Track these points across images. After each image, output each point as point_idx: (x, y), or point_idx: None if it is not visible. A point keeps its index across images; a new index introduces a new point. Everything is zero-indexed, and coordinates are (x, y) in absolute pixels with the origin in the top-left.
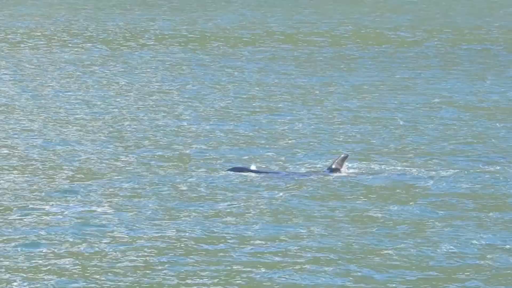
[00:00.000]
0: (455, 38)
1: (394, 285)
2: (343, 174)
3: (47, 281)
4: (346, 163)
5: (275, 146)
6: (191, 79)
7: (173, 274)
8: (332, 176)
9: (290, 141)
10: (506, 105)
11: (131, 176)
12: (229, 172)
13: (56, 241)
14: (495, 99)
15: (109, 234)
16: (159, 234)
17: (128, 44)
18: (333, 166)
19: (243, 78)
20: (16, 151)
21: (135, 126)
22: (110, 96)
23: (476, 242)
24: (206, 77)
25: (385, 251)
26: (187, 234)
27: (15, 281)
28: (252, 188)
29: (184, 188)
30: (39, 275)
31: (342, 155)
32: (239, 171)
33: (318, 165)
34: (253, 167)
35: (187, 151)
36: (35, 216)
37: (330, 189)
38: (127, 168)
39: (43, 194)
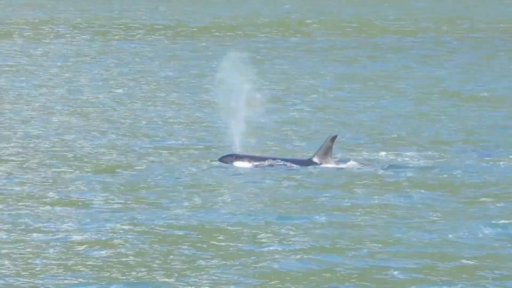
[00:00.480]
0: (448, 29)
1: (405, 273)
2: (336, 163)
3: (45, 270)
4: (354, 154)
5: (269, 135)
6: (183, 68)
7: (171, 261)
8: (323, 163)
9: (284, 130)
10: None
11: (127, 166)
12: (220, 160)
13: (53, 230)
14: (498, 88)
15: (107, 223)
16: (155, 223)
17: (119, 34)
18: (323, 148)
19: (236, 68)
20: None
21: (130, 117)
22: (101, 86)
23: (486, 232)
24: (199, 67)
25: (393, 240)
26: (183, 222)
27: (16, 269)
28: (243, 176)
29: (178, 178)
30: (36, 264)
31: (331, 136)
32: (230, 160)
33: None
34: (244, 155)
35: (180, 141)
36: (30, 206)
37: (324, 178)
38: (122, 158)
39: (36, 184)
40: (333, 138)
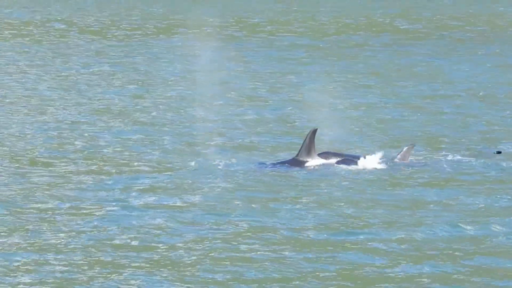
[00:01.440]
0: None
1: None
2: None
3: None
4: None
5: (254, 133)
6: (173, 68)
7: (168, 254)
8: (308, 161)
9: (268, 128)
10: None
11: (124, 165)
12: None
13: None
14: (499, 84)
15: (114, 224)
16: (154, 222)
17: (107, 33)
18: (305, 145)
19: (227, 67)
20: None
21: (123, 116)
22: (94, 84)
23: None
24: (188, 66)
25: (391, 238)
26: (183, 221)
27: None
28: (232, 180)
29: (182, 178)
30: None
31: (312, 130)
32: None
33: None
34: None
35: (182, 141)
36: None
37: (312, 175)
38: (119, 158)
39: (26, 186)
40: (314, 132)
